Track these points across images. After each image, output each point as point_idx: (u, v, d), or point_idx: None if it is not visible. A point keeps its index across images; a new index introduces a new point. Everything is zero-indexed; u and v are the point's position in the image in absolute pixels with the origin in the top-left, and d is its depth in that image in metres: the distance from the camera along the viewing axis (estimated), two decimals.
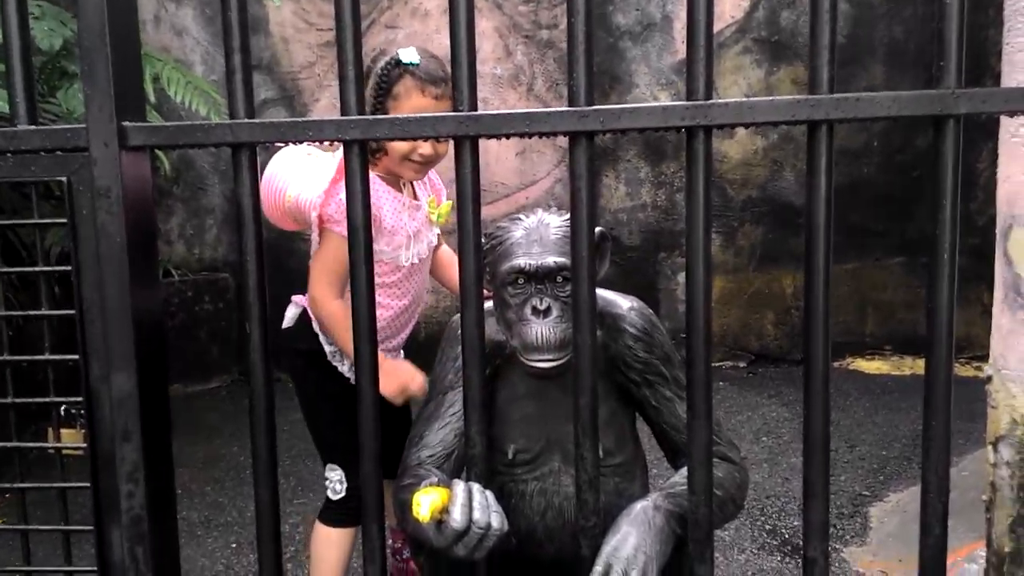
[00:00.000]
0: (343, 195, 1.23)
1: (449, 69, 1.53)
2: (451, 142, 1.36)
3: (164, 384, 1.19)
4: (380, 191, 1.74)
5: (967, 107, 1.01)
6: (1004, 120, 1.40)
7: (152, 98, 3.10)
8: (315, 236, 1.80)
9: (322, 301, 1.72)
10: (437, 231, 1.92)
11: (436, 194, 1.92)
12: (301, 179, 1.81)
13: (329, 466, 1.83)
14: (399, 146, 1.68)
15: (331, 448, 1.83)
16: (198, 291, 4.05)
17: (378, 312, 1.23)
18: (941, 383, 1.06)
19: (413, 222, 1.79)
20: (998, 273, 1.40)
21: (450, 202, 1.82)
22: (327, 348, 1.82)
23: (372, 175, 1.67)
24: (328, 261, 1.70)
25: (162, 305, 1.18)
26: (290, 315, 1.88)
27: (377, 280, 1.59)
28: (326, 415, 1.83)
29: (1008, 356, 1.39)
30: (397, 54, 1.68)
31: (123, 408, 1.11)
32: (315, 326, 1.82)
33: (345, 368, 1.82)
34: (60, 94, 2.86)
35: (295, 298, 1.91)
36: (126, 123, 1.08)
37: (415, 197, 1.84)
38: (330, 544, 1.82)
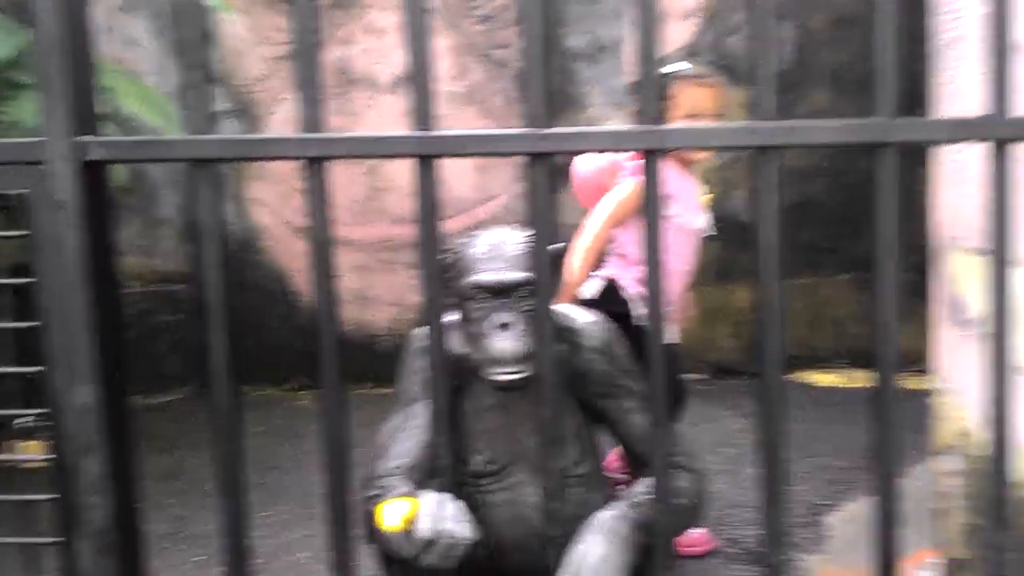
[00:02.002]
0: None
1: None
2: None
3: (126, 395, 1.19)
4: (677, 180, 2.18)
5: (903, 136, 1.06)
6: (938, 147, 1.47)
7: (105, 109, 3.07)
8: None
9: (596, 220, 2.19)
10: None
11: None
12: None
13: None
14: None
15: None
16: (153, 303, 4.00)
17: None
18: (887, 395, 1.11)
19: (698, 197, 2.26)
20: (938, 292, 1.46)
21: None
22: (633, 309, 2.23)
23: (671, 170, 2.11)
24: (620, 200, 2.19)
25: (122, 316, 1.18)
26: (593, 288, 2.26)
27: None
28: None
29: (951, 370, 1.45)
30: (671, 69, 2.16)
31: (85, 420, 1.11)
32: (623, 292, 2.24)
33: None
34: (9, 105, 2.81)
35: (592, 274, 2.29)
36: (84, 137, 1.09)
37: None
38: None
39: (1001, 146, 1.04)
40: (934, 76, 1.46)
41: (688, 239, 2.30)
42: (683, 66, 2.18)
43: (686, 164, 2.24)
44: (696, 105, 2.09)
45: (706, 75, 2.20)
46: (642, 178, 1.97)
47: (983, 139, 1.06)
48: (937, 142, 1.07)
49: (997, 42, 1.03)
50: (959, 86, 1.38)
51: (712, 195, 2.43)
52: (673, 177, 2.15)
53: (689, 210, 2.25)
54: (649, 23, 1.07)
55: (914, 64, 1.59)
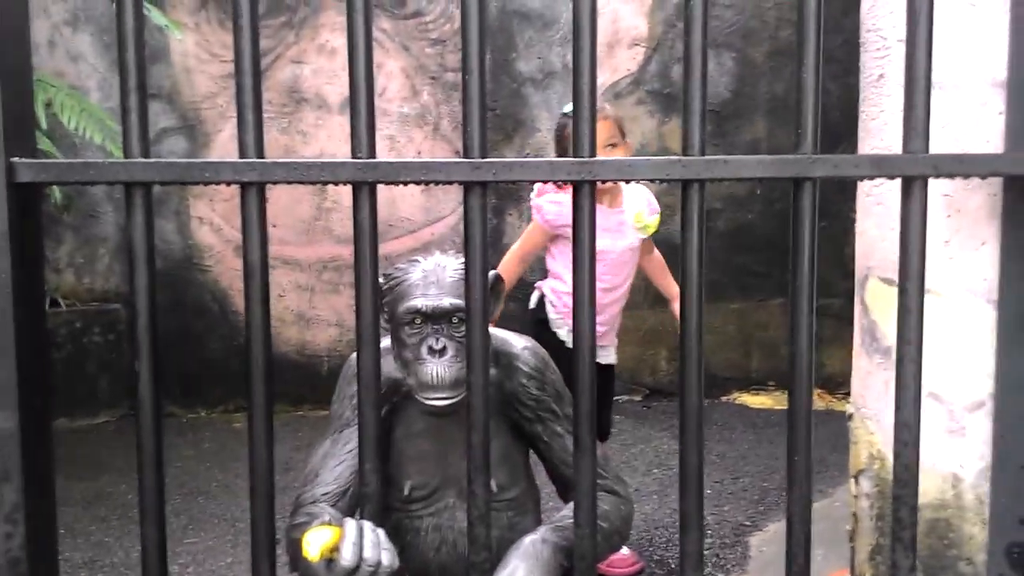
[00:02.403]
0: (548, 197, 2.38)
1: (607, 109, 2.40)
2: (619, 149, 2.42)
3: (47, 421, 1.17)
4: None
5: (822, 171, 1.12)
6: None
7: (44, 124, 3.00)
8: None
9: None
10: (637, 236, 2.56)
11: (652, 212, 2.57)
12: None
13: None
14: None
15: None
16: (87, 322, 3.90)
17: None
18: (802, 422, 1.16)
19: (603, 220, 2.25)
20: (857, 319, 1.52)
21: (656, 216, 2.58)
22: (551, 317, 2.49)
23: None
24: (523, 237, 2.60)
25: (47, 340, 1.16)
26: (534, 297, 2.58)
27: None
28: None
29: (866, 395, 1.51)
30: (566, 108, 2.27)
31: (3, 447, 1.09)
32: (547, 306, 2.51)
33: (563, 333, 2.45)
34: None
35: (537, 284, 2.63)
36: (14, 159, 1.08)
37: (616, 203, 2.50)
38: None
39: (911, 183, 1.10)
40: (863, 111, 1.54)
41: (604, 263, 2.40)
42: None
43: (598, 192, 2.40)
44: None
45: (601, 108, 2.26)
46: (540, 212, 2.31)
47: (895, 176, 1.12)
48: (855, 178, 1.13)
49: (912, 81, 1.09)
50: (885, 122, 1.46)
51: (640, 215, 2.54)
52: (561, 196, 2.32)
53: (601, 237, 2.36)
54: (584, 57, 1.12)
55: (853, 96, 1.66)
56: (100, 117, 3.24)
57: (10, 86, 1.07)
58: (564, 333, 2.47)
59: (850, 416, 1.56)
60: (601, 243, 2.30)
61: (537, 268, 2.87)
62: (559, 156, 2.35)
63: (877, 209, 1.47)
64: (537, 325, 2.52)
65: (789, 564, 1.19)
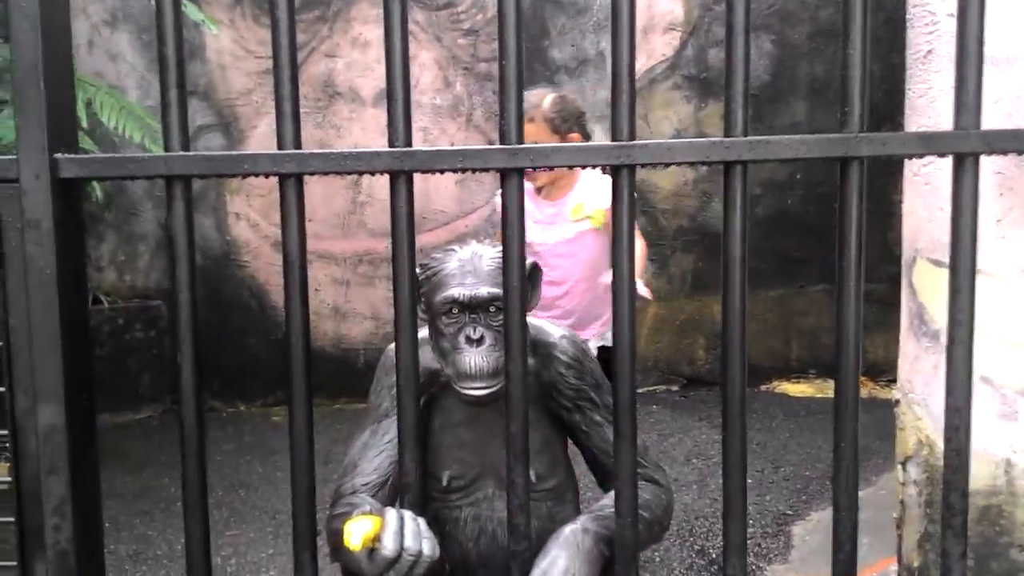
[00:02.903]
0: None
1: (538, 97, 2.24)
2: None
3: (92, 416, 1.18)
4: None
5: (868, 150, 1.09)
6: (907, 159, 1.50)
7: (85, 123, 3.05)
8: None
9: None
10: (577, 228, 2.37)
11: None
12: None
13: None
14: None
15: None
16: (129, 319, 3.97)
17: None
18: (849, 407, 1.13)
19: (537, 213, 2.24)
20: (904, 302, 1.49)
21: (601, 209, 2.30)
22: None
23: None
24: None
25: (91, 336, 1.18)
26: None
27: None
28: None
29: (914, 380, 1.47)
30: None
31: (50, 441, 1.10)
32: None
33: None
34: None
35: None
36: (58, 155, 1.09)
37: (560, 195, 2.34)
38: None
39: (962, 160, 1.07)
40: (909, 88, 1.50)
41: (537, 257, 2.18)
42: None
43: (536, 181, 2.29)
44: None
45: (529, 109, 2.09)
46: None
47: (944, 154, 1.09)
48: (903, 156, 1.09)
49: (963, 57, 1.06)
50: (933, 99, 1.42)
51: (580, 206, 2.39)
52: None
53: (531, 229, 2.20)
54: (623, 38, 1.10)
55: (895, 75, 1.62)
56: (139, 115, 3.28)
57: (53, 84, 1.08)
58: None
59: (897, 402, 1.52)
60: (531, 235, 2.15)
61: None
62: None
63: (925, 189, 1.43)
64: None
65: (836, 552, 1.17)
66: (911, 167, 1.50)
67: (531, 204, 2.22)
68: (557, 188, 2.34)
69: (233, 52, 4.07)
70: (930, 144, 1.10)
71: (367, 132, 4.10)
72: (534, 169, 1.15)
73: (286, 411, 1.19)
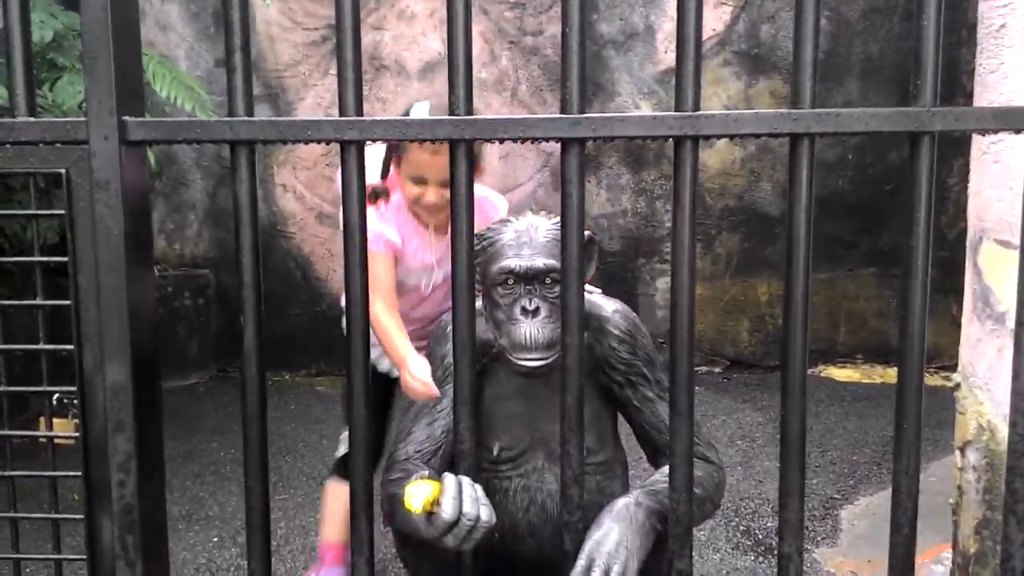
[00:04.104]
0: (371, 223, 1.56)
1: None
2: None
3: (157, 375, 1.21)
4: (406, 223, 1.87)
5: (942, 124, 1.06)
6: (976, 137, 1.46)
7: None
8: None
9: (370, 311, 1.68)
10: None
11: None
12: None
13: (345, 427, 2.00)
14: (408, 192, 1.80)
15: (347, 412, 2.04)
16: (178, 287, 4.04)
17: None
18: (913, 386, 1.11)
19: (430, 253, 1.90)
20: (968, 284, 1.45)
21: None
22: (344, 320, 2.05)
23: (404, 210, 1.85)
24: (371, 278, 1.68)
25: (155, 296, 1.20)
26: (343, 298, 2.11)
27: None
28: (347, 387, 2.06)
29: (976, 364, 1.44)
30: (409, 109, 1.84)
31: (116, 398, 1.13)
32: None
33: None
34: (48, 87, 2.84)
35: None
36: (126, 118, 1.10)
37: (447, 229, 1.78)
38: (339, 494, 1.99)
39: None
40: (980, 64, 1.45)
41: (413, 298, 1.96)
42: (420, 112, 1.79)
43: (423, 223, 1.90)
44: (420, 169, 1.76)
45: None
46: (373, 248, 1.56)
47: (1021, 130, 1.05)
48: (977, 131, 1.06)
49: None
50: (1005, 74, 1.37)
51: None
52: (407, 229, 1.86)
53: (410, 270, 1.92)
54: (688, 5, 1.08)
55: (951, 53, 1.57)
56: (190, 85, 3.31)
57: (121, 47, 1.10)
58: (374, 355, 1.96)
59: (957, 386, 1.49)
60: (413, 278, 1.86)
61: None
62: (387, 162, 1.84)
63: (995, 168, 1.39)
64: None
65: (894, 534, 1.15)
66: (979, 145, 1.46)
67: (423, 241, 1.88)
68: (441, 223, 1.90)
69: (281, 23, 4.09)
70: (1007, 119, 1.07)
71: None
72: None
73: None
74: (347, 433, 1.98)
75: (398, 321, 1.76)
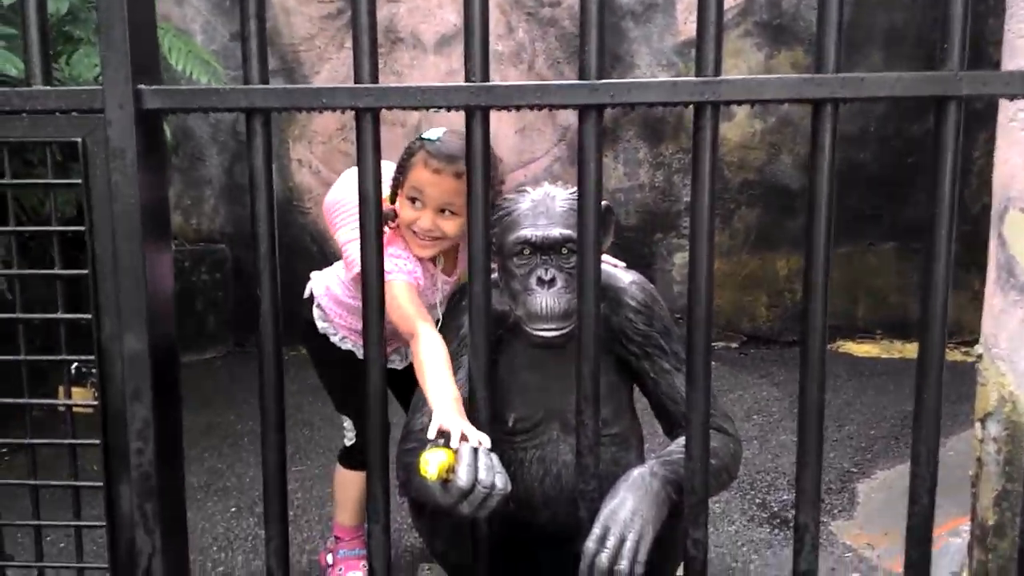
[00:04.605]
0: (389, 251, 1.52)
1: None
2: (458, 220, 1.57)
3: (174, 344, 1.22)
4: (414, 260, 1.68)
5: (969, 89, 1.03)
6: (1003, 104, 1.43)
7: None
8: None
9: (412, 340, 1.55)
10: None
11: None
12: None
13: (341, 416, 2.01)
14: (404, 214, 1.64)
15: (338, 403, 2.02)
16: (195, 261, 4.06)
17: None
18: (935, 357, 1.10)
19: (435, 294, 1.75)
20: (992, 254, 1.43)
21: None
22: (319, 324, 1.94)
23: (404, 250, 1.67)
24: (397, 307, 1.58)
25: (172, 266, 1.20)
26: (308, 287, 1.99)
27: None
28: (328, 377, 2.02)
29: (999, 335, 1.42)
30: (425, 132, 1.65)
31: (134, 367, 1.14)
32: (315, 311, 1.94)
33: (337, 339, 1.94)
34: (64, 59, 2.84)
35: (312, 274, 2.01)
36: (142, 86, 1.10)
37: (452, 269, 1.78)
38: (347, 484, 2.00)
39: None
40: (1008, 28, 1.41)
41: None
42: (433, 135, 1.64)
43: (431, 248, 1.70)
44: (419, 186, 1.61)
45: (447, 156, 1.59)
46: (395, 279, 1.54)
47: None
48: (1006, 96, 1.04)
49: None
50: None
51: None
52: (415, 271, 1.68)
53: (421, 297, 1.69)
54: None
55: (979, 20, 1.53)
56: (206, 59, 3.31)
57: (137, 15, 1.09)
58: (339, 339, 1.94)
59: (979, 356, 1.47)
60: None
61: None
62: (396, 183, 1.67)
63: (1021, 136, 1.36)
64: (306, 325, 1.97)
65: (912, 504, 1.14)
66: (1006, 112, 1.43)
67: (431, 281, 1.74)
68: (448, 261, 1.77)
69: None
70: None
71: (427, 79, 4.07)
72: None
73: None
74: (348, 423, 1.99)
75: (446, 355, 1.47)
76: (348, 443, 2.01)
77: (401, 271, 1.63)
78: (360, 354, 1.80)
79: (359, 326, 1.61)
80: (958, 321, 3.74)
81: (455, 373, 1.45)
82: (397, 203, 1.68)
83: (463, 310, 1.50)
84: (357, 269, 1.34)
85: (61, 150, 1.61)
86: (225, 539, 2.26)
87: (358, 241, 1.21)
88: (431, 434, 1.25)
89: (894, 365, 3.70)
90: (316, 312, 1.94)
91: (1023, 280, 1.35)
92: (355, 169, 1.71)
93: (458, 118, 1.16)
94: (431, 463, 1.16)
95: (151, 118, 1.13)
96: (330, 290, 1.90)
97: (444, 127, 1.68)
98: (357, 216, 1.16)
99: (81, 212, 1.14)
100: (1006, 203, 1.38)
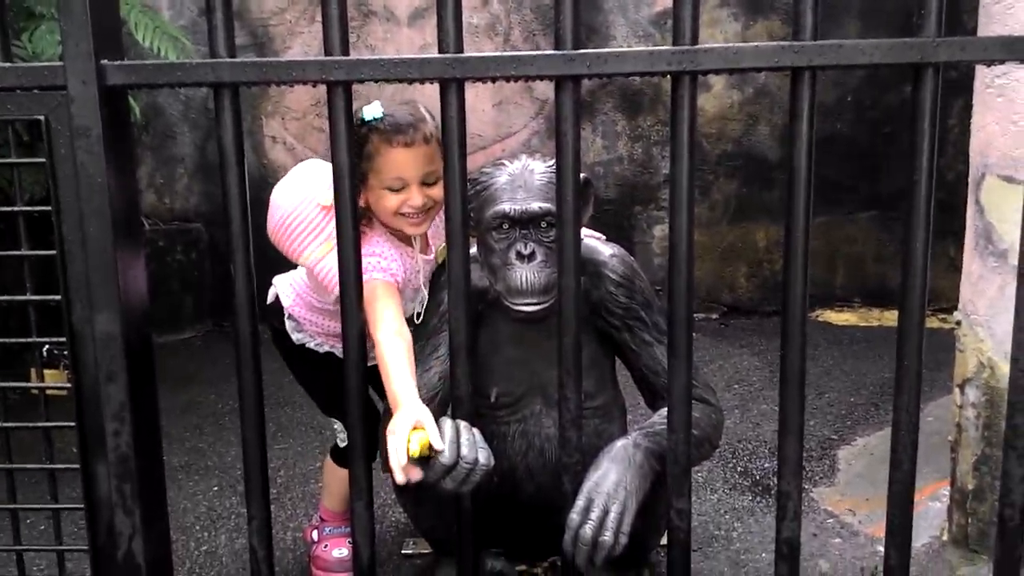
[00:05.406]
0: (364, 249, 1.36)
1: (422, 111, 1.55)
2: (441, 182, 1.36)
3: (147, 324, 1.19)
4: (392, 252, 1.61)
5: (946, 55, 1.03)
6: (979, 70, 1.42)
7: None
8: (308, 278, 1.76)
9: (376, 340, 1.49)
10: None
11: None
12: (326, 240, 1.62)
13: (330, 419, 1.95)
14: (387, 204, 1.56)
15: (324, 406, 1.95)
16: (170, 241, 4.00)
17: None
18: (914, 322, 1.10)
19: (417, 276, 1.68)
20: (969, 221, 1.43)
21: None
22: (294, 336, 1.85)
23: (380, 238, 1.61)
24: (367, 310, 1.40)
25: (142, 244, 1.17)
26: (271, 293, 1.89)
27: None
28: (310, 381, 1.94)
29: (977, 301, 1.43)
30: (360, 112, 1.53)
31: (107, 348, 1.11)
32: (287, 323, 1.85)
33: (314, 345, 1.85)
34: (27, 36, 2.77)
35: (275, 279, 1.89)
36: (105, 61, 1.07)
37: (427, 247, 1.70)
38: (338, 476, 1.93)
39: None
40: None
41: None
42: (375, 112, 1.56)
43: (408, 237, 1.65)
44: (397, 170, 1.53)
45: (407, 127, 1.53)
46: (371, 277, 1.43)
47: None
48: (983, 62, 1.03)
49: None
50: (1010, 5, 1.33)
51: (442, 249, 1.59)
52: (395, 260, 1.60)
53: (405, 300, 1.64)
54: None
55: None
56: (174, 34, 3.24)
57: None
58: (303, 337, 1.85)
59: (957, 323, 1.48)
60: (407, 308, 1.60)
61: None
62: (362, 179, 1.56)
63: (999, 102, 1.36)
64: (274, 331, 1.89)
65: (893, 470, 1.15)
66: (983, 78, 1.43)
67: (412, 265, 1.65)
68: (422, 238, 1.68)
69: None
70: (1013, 49, 1.03)
71: (402, 53, 4.01)
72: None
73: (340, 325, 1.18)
74: (339, 424, 1.88)
75: (410, 357, 1.43)
76: (342, 444, 1.90)
77: (376, 269, 1.55)
78: (341, 354, 1.73)
79: (336, 328, 1.59)
80: (934, 288, 3.77)
81: (436, 351, 1.44)
82: (369, 199, 1.58)
83: (444, 286, 1.49)
84: (338, 291, 1.21)
85: (27, 129, 1.56)
86: (208, 518, 2.25)
87: (332, 255, 1.14)
88: (405, 429, 1.22)
89: (873, 333, 3.73)
90: (289, 324, 1.84)
91: (1001, 247, 1.35)
92: (285, 183, 1.68)
93: (411, 91, 1.13)
94: (413, 441, 1.16)
95: (116, 95, 1.10)
96: (300, 298, 1.81)
97: (374, 101, 1.57)
98: (319, 229, 1.11)
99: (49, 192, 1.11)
100: (983, 170, 1.38)
